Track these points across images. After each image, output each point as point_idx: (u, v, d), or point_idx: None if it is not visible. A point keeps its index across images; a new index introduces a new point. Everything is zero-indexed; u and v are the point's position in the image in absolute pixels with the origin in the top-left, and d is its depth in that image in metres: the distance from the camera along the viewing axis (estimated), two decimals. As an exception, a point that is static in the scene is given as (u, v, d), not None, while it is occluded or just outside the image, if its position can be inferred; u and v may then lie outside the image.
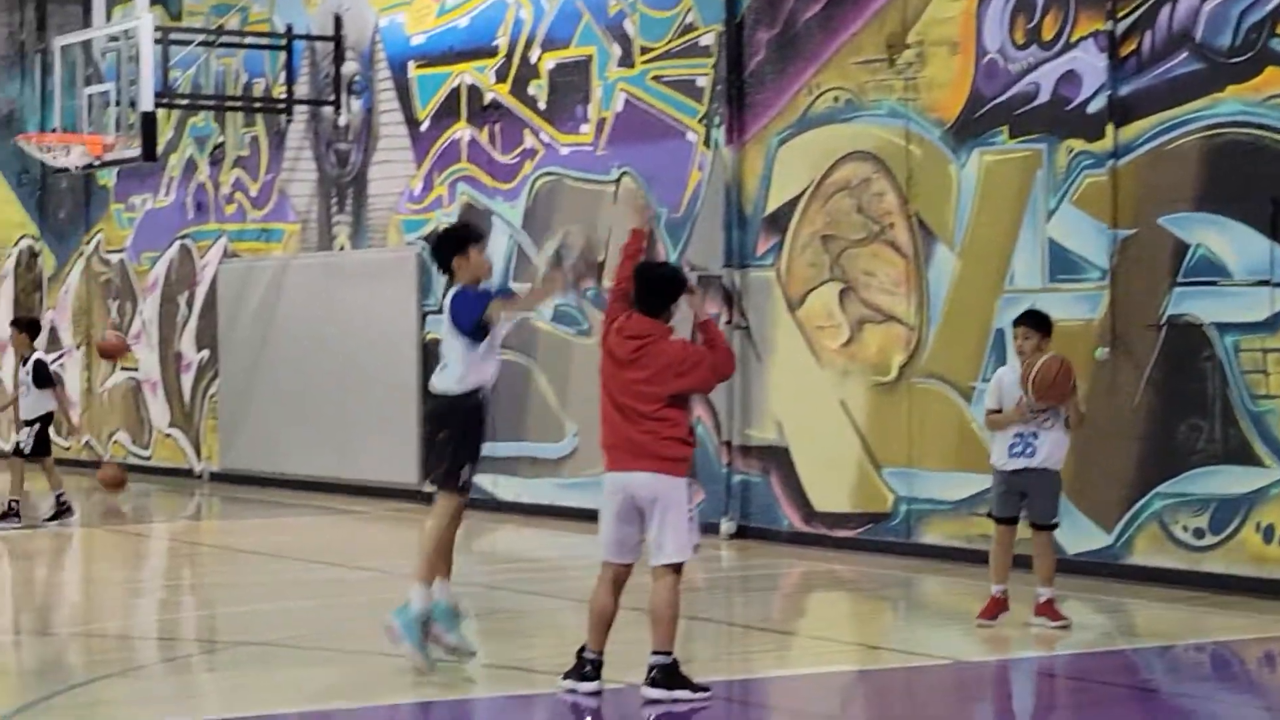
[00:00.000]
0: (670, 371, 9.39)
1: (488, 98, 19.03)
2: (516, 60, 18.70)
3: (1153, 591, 13.06)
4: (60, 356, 25.47)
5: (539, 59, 18.46)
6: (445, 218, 19.43)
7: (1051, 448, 11.69)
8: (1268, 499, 12.81)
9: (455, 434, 10.12)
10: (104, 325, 24.63)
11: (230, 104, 22.38)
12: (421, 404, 19.62)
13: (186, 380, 23.27)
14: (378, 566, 15.30)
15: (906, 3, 15.06)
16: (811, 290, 15.88)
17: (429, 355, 19.64)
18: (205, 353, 22.87)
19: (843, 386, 15.55)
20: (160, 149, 20.89)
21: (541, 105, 18.44)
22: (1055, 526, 11.89)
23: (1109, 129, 13.70)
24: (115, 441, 24.30)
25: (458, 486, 10.19)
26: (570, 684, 9.53)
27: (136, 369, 24.04)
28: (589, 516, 17.21)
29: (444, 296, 10.32)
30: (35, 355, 18.27)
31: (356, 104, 20.79)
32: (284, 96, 21.43)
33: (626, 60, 17.54)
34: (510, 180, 18.80)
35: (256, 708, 9.65)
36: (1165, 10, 13.40)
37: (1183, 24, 13.30)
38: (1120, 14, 13.64)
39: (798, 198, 16.00)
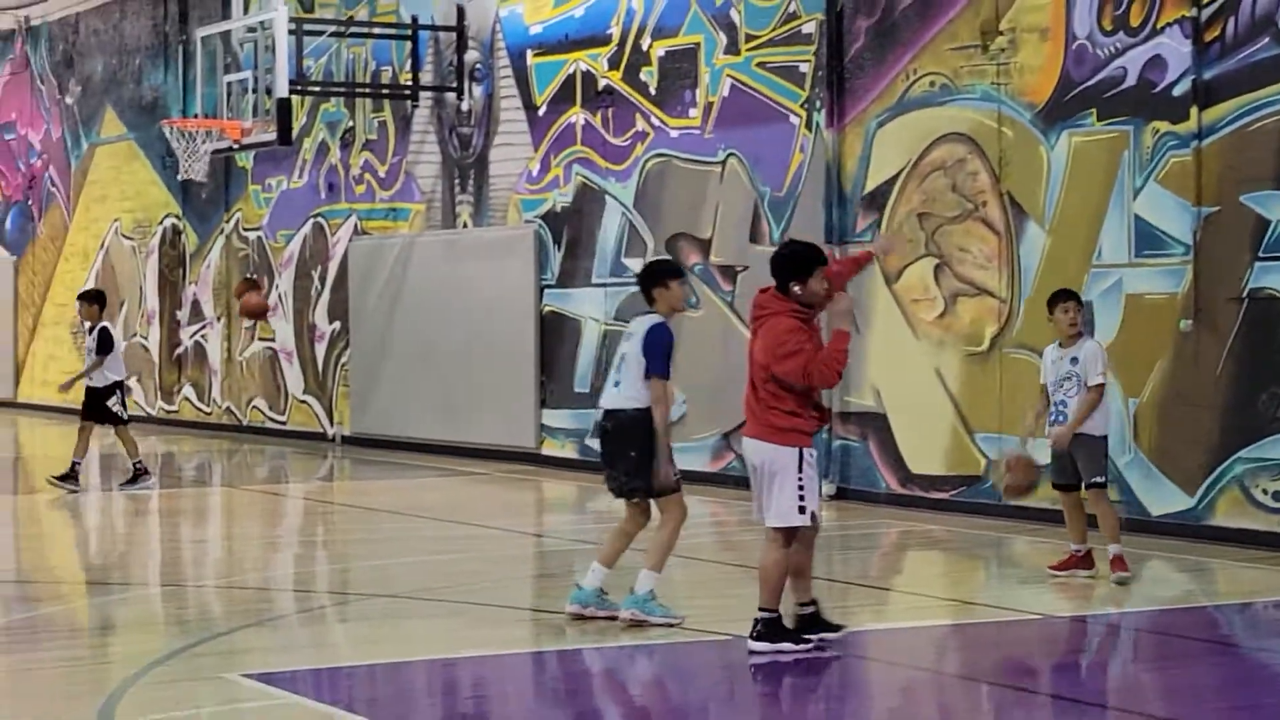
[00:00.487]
0: (771, 350, 9.37)
1: (601, 84, 19.07)
2: (628, 48, 18.72)
3: (1233, 552, 12.98)
4: (202, 327, 25.76)
5: (650, 47, 18.48)
6: (561, 197, 19.52)
7: (1079, 412, 11.72)
8: (1345, 464, 12.74)
9: (644, 450, 10.20)
10: (243, 288, 24.85)
11: (360, 91, 22.53)
12: (539, 372, 19.76)
13: (320, 350, 23.46)
14: (498, 524, 15.41)
15: (999, -9, 15.00)
16: (908, 266, 15.85)
17: (545, 327, 19.74)
18: (337, 324, 23.05)
19: (938, 356, 15.52)
20: (294, 133, 21.01)
21: (652, 91, 18.45)
22: (1102, 485, 11.84)
23: (1193, 111, 13.59)
24: (253, 408, 24.53)
25: (675, 488, 10.33)
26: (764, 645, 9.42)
27: (273, 339, 24.27)
28: (697, 478, 17.31)
29: (640, 319, 10.55)
30: (101, 324, 18.28)
31: (478, 90, 20.87)
32: (410, 84, 21.54)
33: (732, 48, 17.53)
34: (622, 162, 18.83)
35: (386, 656, 9.73)
36: (1248, -2, 13.30)
37: (1265, 10, 13.19)
38: (1205, 1, 13.54)
39: (895, 177, 15.96)
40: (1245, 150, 13.35)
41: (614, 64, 18.88)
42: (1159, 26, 13.88)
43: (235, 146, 21.46)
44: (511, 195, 20.35)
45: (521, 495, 17.91)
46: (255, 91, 20.36)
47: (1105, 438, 11.88)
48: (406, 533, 15.00)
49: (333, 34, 22.19)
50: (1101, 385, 11.76)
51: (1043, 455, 12.17)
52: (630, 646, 9.91)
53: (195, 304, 25.97)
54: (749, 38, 17.36)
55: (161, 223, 26.87)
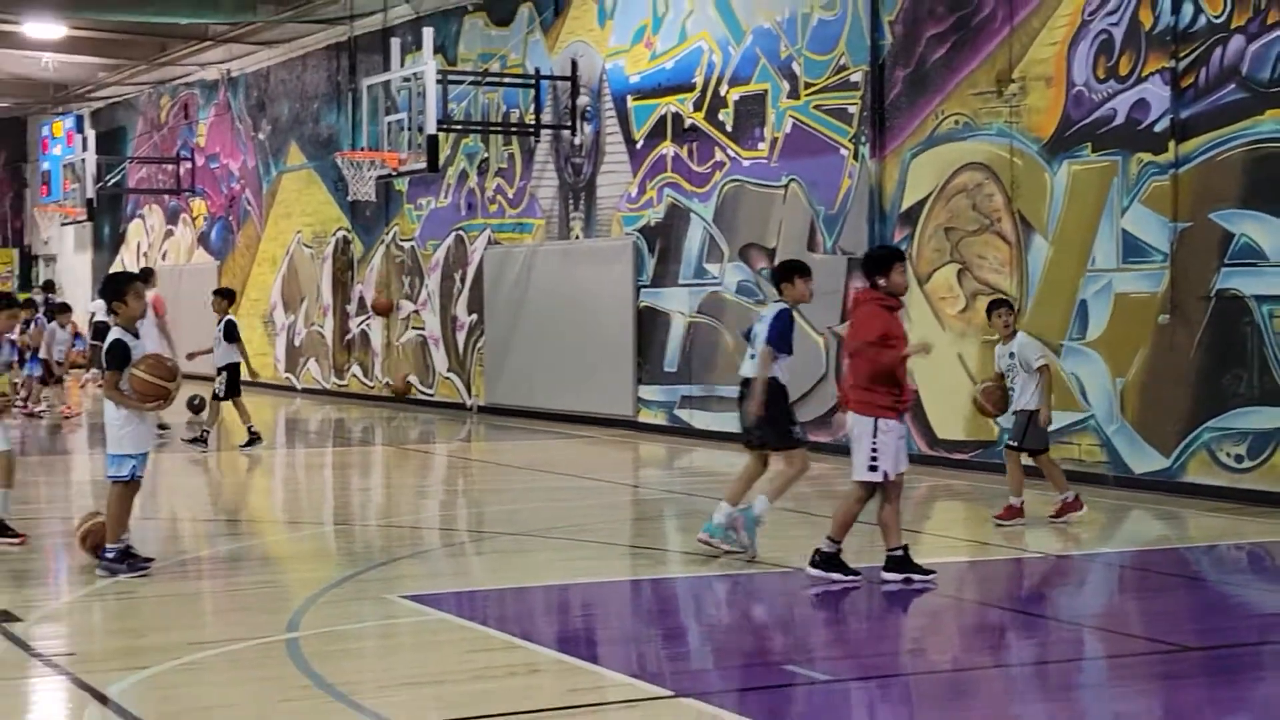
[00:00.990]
0: (856, 333, 9.37)
1: (687, 123, 19.06)
2: (709, 94, 18.70)
3: (1201, 504, 12.88)
4: (367, 318, 25.94)
5: (726, 92, 18.45)
6: (654, 214, 19.53)
7: (1024, 395, 11.79)
8: (1294, 433, 12.61)
9: (778, 410, 10.16)
10: (378, 292, 25.12)
11: (493, 129, 22.60)
12: (636, 355, 19.79)
13: (460, 336, 23.59)
14: (603, 477, 15.46)
15: (1011, 47, 14.90)
16: (936, 270, 15.78)
17: (641, 319, 19.77)
18: (474, 316, 23.16)
19: (960, 344, 15.45)
20: (440, 163, 21.12)
21: (728, 128, 18.43)
22: (1044, 450, 11.97)
23: (1171, 144, 13.47)
24: (408, 382, 24.68)
25: (797, 442, 10.32)
26: (882, 575, 9.40)
27: (424, 328, 24.41)
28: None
29: (770, 305, 10.57)
30: (229, 316, 18.22)
31: (588, 128, 20.90)
32: (533, 123, 21.59)
33: (794, 93, 17.49)
34: (704, 186, 18.82)
35: (513, 582, 9.82)
36: (1217, 51, 13.16)
37: (1231, 62, 13.06)
38: (1181, 54, 13.41)
39: (925, 198, 15.89)
40: (1214, 176, 13.22)
41: (698, 106, 18.88)
42: (1143, 75, 13.76)
43: (393, 173, 21.57)
44: (614, 213, 20.38)
45: (621, 454, 17.96)
46: (409, 129, 20.46)
47: (1036, 411, 11.77)
48: (529, 483, 15.07)
49: (471, 83, 22.29)
50: (1046, 365, 11.80)
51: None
52: (711, 575, 9.92)
53: (361, 300, 26.15)
54: (807, 85, 17.31)
55: (334, 235, 27.08)
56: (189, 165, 32.46)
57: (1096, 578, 10.35)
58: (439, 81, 20.32)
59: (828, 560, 9.39)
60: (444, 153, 21.86)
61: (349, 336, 26.55)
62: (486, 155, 23.00)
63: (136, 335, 9.68)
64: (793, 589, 9.53)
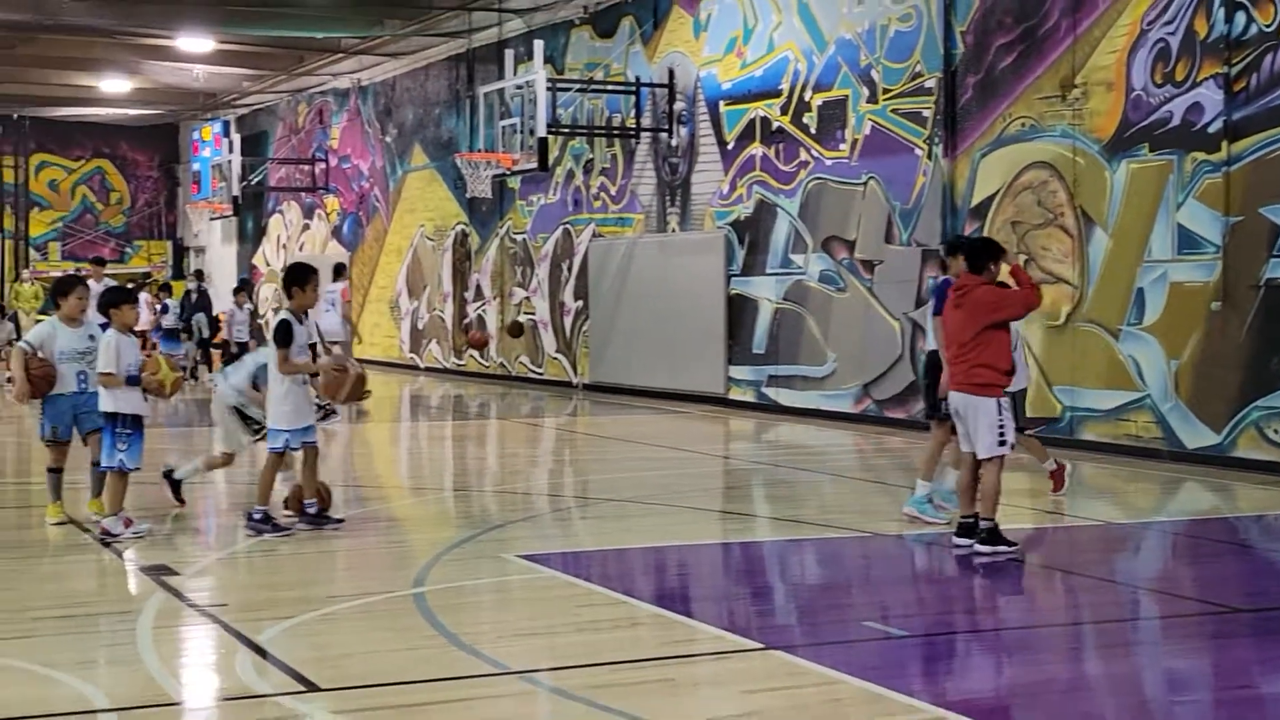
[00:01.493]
0: (984, 309, 9.25)
1: (774, 125, 19.01)
2: (795, 99, 18.63)
3: (1250, 477, 12.70)
4: (483, 304, 26.11)
5: (810, 97, 18.37)
6: (744, 209, 19.49)
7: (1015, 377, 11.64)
8: (1339, 412, 12.40)
9: (933, 382, 10.12)
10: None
11: (597, 131, 22.66)
12: (727, 338, 19.79)
13: (567, 320, 23.69)
14: (696, 449, 15.48)
15: (1075, 55, 14.72)
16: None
17: (732, 305, 19.76)
18: (580, 302, 23.25)
19: (1026, 328, 15.20)
20: (550, 163, 21.20)
21: (812, 130, 18.35)
22: (1022, 429, 11.59)
23: (1224, 144, 13.27)
24: (519, 362, 24.83)
25: (940, 416, 10.13)
26: (955, 540, 9.34)
27: (534, 313, 24.55)
28: (843, 418, 17.23)
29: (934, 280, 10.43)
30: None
31: (683, 131, 20.90)
32: (634, 126, 21.62)
33: (872, 98, 17.38)
34: (789, 183, 18.76)
35: (614, 543, 9.88)
36: (1268, 58, 12.94)
37: (1281, 67, 12.84)
38: (1234, 61, 13.20)
39: (994, 195, 15.75)
40: (1263, 174, 13.01)
41: (784, 110, 18.81)
42: (1198, 80, 13.56)
43: (507, 172, 21.71)
44: (708, 208, 20.37)
45: (713, 428, 17.98)
46: (522, 132, 20.56)
47: (1024, 390, 11.53)
48: (629, 454, 15.13)
49: (577, 90, 22.34)
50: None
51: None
52: (794, 540, 9.93)
53: (478, 287, 26.32)
54: (885, 90, 17.20)
55: (454, 228, 27.28)
56: (323, 165, 32.81)
57: (1152, 544, 10.24)
58: (548, 89, 20.39)
59: (992, 535, 9.21)
60: (553, 154, 21.92)
61: (467, 320, 26.75)
62: (591, 156, 23.06)
63: (301, 320, 9.86)
64: (870, 552, 9.52)
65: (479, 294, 26.23)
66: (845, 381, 17.85)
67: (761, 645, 6.85)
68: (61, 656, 6.57)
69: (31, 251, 39.03)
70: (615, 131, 22.18)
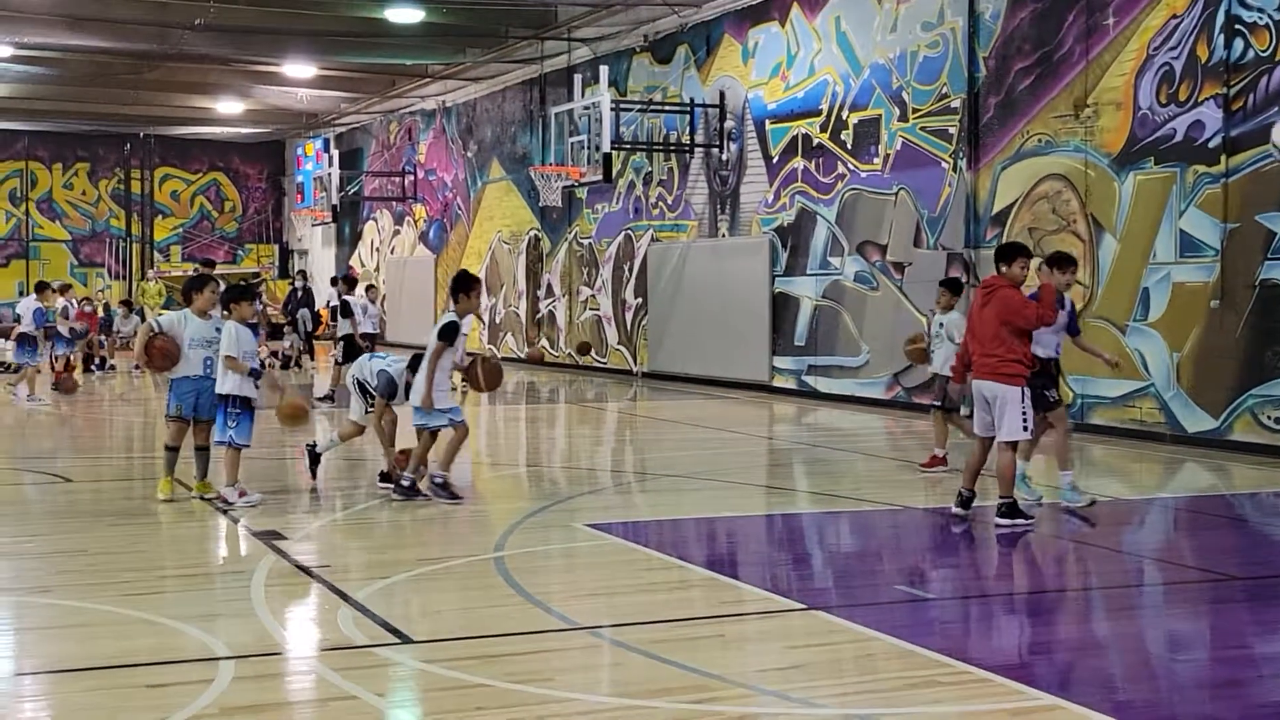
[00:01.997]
0: (1005, 311, 9.18)
1: (815, 142, 18.94)
2: (833, 118, 18.56)
3: (1245, 458, 12.56)
4: (553, 301, 26.18)
5: (847, 116, 18.30)
6: (787, 217, 19.45)
7: (942, 360, 11.60)
8: (1327, 400, 12.23)
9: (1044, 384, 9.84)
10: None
11: (655, 147, 22.68)
12: (771, 331, 19.75)
13: (628, 316, 23.73)
14: (743, 431, 15.47)
15: (1087, 77, 14.59)
16: (1021, 262, 15.53)
17: (776, 302, 19.72)
18: (639, 299, 23.28)
19: (1040, 324, 15.19)
20: (613, 175, 21.23)
21: (849, 146, 18.28)
22: (948, 409, 11.68)
23: (1223, 158, 13.13)
24: (542, 349, 24.90)
25: (1058, 404, 9.96)
26: (954, 510, 9.33)
27: (599, 309, 24.59)
28: (875, 404, 17.15)
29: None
30: (344, 296, 18.84)
31: (733, 146, 20.87)
32: (688, 142, 21.61)
33: (903, 116, 17.29)
34: (828, 193, 18.70)
35: (670, 514, 9.89)
36: (1264, 80, 12.77)
37: (1276, 88, 12.68)
38: (1233, 82, 13.05)
39: (1013, 203, 15.63)
40: (1259, 185, 12.86)
41: (824, 128, 18.74)
42: (1199, 100, 13.41)
43: (575, 184, 21.76)
44: (754, 216, 20.33)
45: (758, 412, 17.96)
46: (588, 148, 20.61)
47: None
48: (684, 435, 15.15)
49: (638, 110, 22.34)
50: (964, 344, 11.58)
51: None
52: (831, 511, 9.91)
53: (549, 286, 26.40)
54: (914, 110, 17.11)
55: (527, 233, 27.37)
56: (412, 178, 32.98)
57: (1155, 518, 10.15)
58: (612, 109, 20.43)
59: (1011, 509, 9.17)
60: (616, 167, 21.96)
61: (539, 315, 26.84)
62: (650, 169, 23.07)
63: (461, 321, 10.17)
64: (899, 523, 9.49)
65: (549, 292, 26.30)
66: (877, 371, 17.78)
67: (803, 605, 6.85)
68: (186, 610, 6.67)
69: (156, 254, 39.50)
70: (672, 147, 22.18)
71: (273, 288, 29.56)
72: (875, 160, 17.80)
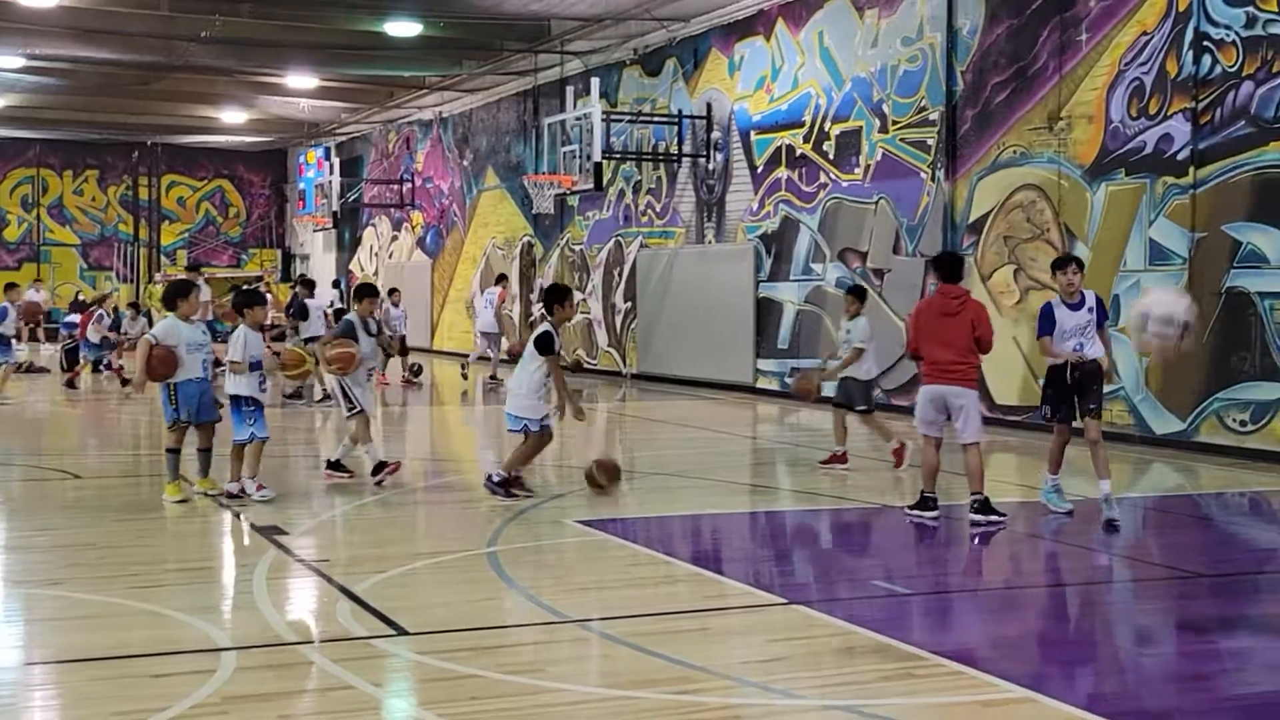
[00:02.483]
0: (979, 323, 9.21)
1: (798, 152, 18.96)
2: (816, 129, 18.58)
3: (1211, 460, 12.60)
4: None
5: (829, 128, 18.32)
6: (771, 224, 19.46)
7: (857, 366, 11.77)
8: (1289, 403, 12.29)
9: (1057, 392, 9.63)
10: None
11: (644, 157, 22.68)
12: (755, 335, 19.76)
13: (618, 319, 23.73)
14: (728, 430, 15.47)
15: (1060, 91, 14.62)
16: (996, 269, 15.56)
17: (760, 306, 19.73)
18: (629, 303, 23.27)
19: (1015, 329, 15.22)
20: (604, 183, 21.24)
21: (831, 156, 18.30)
22: (861, 410, 11.85)
23: (1191, 170, 13.17)
24: (576, 354, 24.87)
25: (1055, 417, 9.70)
26: (916, 514, 9.29)
27: (590, 313, 24.58)
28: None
29: (1088, 293, 9.54)
30: (304, 300, 18.40)
31: (719, 156, 20.88)
32: (676, 152, 21.62)
33: (883, 128, 17.31)
34: (810, 202, 18.71)
35: (658, 511, 9.87)
36: (1231, 94, 12.82)
37: (1242, 103, 12.72)
38: (1201, 97, 13.09)
39: (989, 212, 15.66)
40: (1225, 196, 12.90)
41: (807, 139, 18.76)
42: (1169, 113, 13.45)
43: (567, 192, 21.75)
44: (739, 223, 20.35)
45: (743, 413, 17.97)
46: (580, 157, 20.59)
47: (868, 381, 11.82)
48: (671, 434, 15.15)
49: (628, 121, 22.34)
50: (862, 349, 11.74)
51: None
52: (812, 510, 9.91)
53: (542, 289, 26.37)
54: (894, 122, 17.13)
55: (521, 239, 27.36)
56: (410, 185, 32.94)
57: (1125, 517, 10.16)
58: (603, 120, 20.43)
59: (984, 506, 9.21)
60: (606, 175, 21.97)
61: (532, 318, 26.80)
62: (639, 178, 23.07)
63: (558, 332, 10.22)
64: (878, 521, 9.49)
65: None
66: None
67: (784, 600, 6.86)
68: (190, 602, 6.66)
69: (162, 258, 39.42)
70: (660, 157, 22.19)
71: (275, 290, 29.43)
72: (856, 170, 17.82)
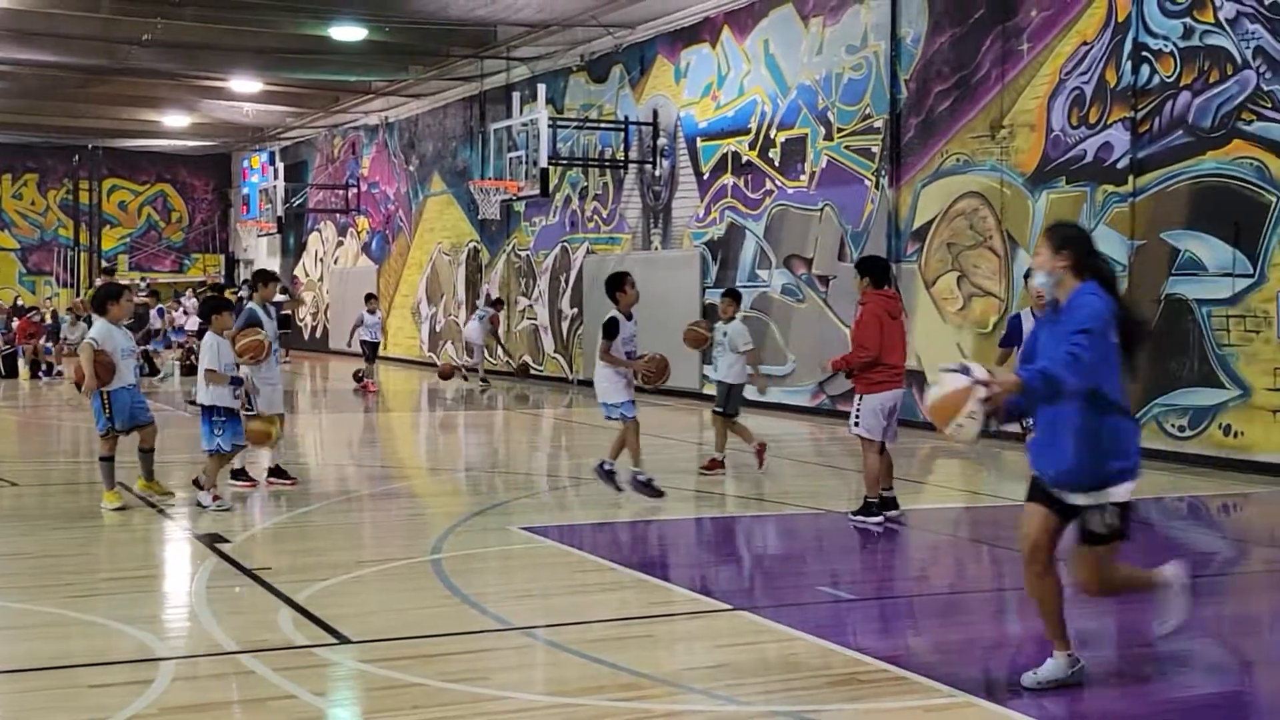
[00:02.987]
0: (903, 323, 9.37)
1: (744, 159, 19.02)
2: (761, 136, 18.65)
3: (1150, 465, 12.58)
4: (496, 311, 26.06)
5: (775, 135, 18.39)
6: (717, 231, 19.49)
7: (725, 367, 11.90)
8: (1226, 408, 12.44)
9: None
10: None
11: (591, 163, 22.68)
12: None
13: (564, 324, 23.69)
14: (674, 436, 15.47)
15: (1002, 100, 14.76)
16: (940, 276, 15.67)
17: (706, 312, 19.74)
18: (575, 309, 23.25)
19: (958, 334, 15.34)
20: (550, 189, 21.19)
21: (776, 163, 18.37)
22: (726, 414, 11.91)
23: (1130, 178, 13.32)
24: (523, 360, 24.80)
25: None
26: (885, 516, 9.30)
27: (536, 319, 24.52)
28: (801, 411, 17.19)
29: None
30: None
31: (665, 163, 20.90)
32: (623, 159, 21.63)
33: (829, 135, 17.40)
34: (756, 209, 18.77)
35: (602, 517, 9.84)
36: (1169, 104, 12.98)
37: (1180, 113, 12.88)
38: (1140, 106, 13.25)
39: (933, 220, 15.78)
40: (1164, 204, 13.06)
41: (752, 146, 18.83)
42: (1108, 123, 13.61)
43: (514, 198, 21.69)
44: (686, 229, 20.37)
45: (689, 419, 17.97)
46: (526, 163, 20.54)
47: (740, 385, 11.92)
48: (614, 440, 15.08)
49: (575, 127, 22.32)
50: (752, 349, 11.95)
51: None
52: (757, 515, 9.92)
53: (488, 296, 26.27)
54: (839, 129, 17.22)
55: (467, 245, 27.25)
56: (355, 191, 32.74)
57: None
58: (550, 126, 20.39)
59: (871, 508, 9.31)
60: (553, 182, 21.92)
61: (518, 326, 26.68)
62: (586, 184, 23.05)
63: (629, 318, 10.46)
64: (822, 527, 9.51)
65: (490, 301, 26.20)
66: (803, 379, 17.86)
67: (729, 606, 6.85)
68: (128, 612, 6.56)
69: (103, 262, 38.90)
70: (607, 163, 22.19)
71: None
72: (801, 177, 17.90)
